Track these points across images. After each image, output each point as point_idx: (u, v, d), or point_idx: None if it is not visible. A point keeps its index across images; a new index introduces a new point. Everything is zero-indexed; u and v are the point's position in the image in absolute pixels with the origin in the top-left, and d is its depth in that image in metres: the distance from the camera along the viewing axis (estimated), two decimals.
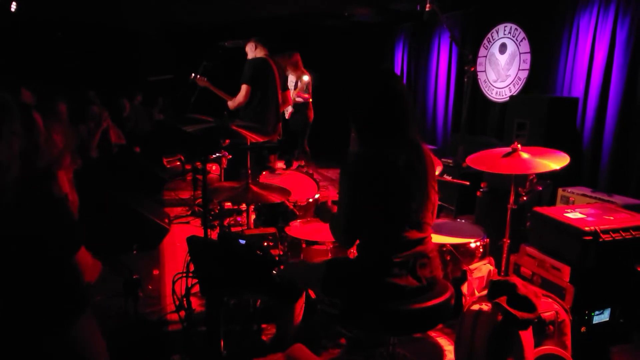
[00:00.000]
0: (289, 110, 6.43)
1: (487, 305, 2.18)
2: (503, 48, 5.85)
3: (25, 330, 0.93)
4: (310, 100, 6.43)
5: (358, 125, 2.03)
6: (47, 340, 0.94)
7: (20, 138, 1.07)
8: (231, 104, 4.64)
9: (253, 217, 3.45)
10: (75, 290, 0.99)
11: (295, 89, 6.35)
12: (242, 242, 2.31)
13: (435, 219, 2.19)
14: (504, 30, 5.81)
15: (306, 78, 6.36)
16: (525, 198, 3.08)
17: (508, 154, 2.67)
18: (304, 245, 2.76)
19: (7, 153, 1.03)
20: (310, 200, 3.38)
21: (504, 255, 2.83)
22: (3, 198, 1.00)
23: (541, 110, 4.37)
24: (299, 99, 6.35)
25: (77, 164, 2.36)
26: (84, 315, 0.98)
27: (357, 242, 2.07)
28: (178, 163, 6.25)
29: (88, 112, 5.37)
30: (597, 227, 2.36)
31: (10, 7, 5.92)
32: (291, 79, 6.37)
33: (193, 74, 4.82)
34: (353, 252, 2.54)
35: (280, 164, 5.72)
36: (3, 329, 0.91)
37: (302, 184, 3.60)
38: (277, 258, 2.65)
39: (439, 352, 2.66)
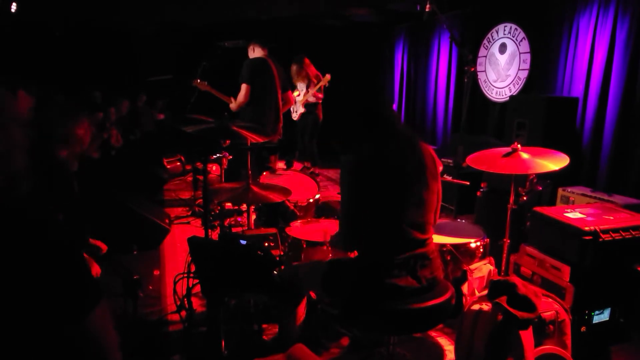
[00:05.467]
0: (298, 111, 6.43)
1: (487, 305, 2.18)
2: (503, 48, 5.85)
3: (45, 321, 0.94)
4: (320, 101, 6.42)
5: (347, 132, 2.07)
6: (66, 330, 0.95)
7: (21, 128, 1.07)
8: (233, 106, 4.64)
9: (254, 217, 3.45)
10: (88, 280, 1.01)
11: (307, 89, 6.33)
12: (243, 242, 2.31)
13: (438, 219, 2.19)
14: (504, 30, 5.82)
15: (325, 77, 6.30)
16: (525, 198, 3.08)
17: (508, 154, 2.68)
18: (304, 246, 2.76)
19: (5, 143, 1.03)
20: (311, 200, 3.38)
21: (504, 255, 2.83)
22: (17, 189, 1.01)
23: (541, 110, 4.37)
24: (312, 99, 6.33)
25: (75, 167, 2.37)
26: (99, 306, 0.99)
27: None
28: (178, 163, 6.26)
29: (92, 114, 5.37)
30: (597, 227, 2.36)
31: (10, 8, 5.93)
32: (301, 84, 6.37)
33: (195, 79, 4.86)
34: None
35: (281, 165, 5.73)
36: (22, 321, 0.93)
37: (302, 184, 3.60)
38: (277, 258, 2.66)
39: (439, 352, 2.66)
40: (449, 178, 3.55)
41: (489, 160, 2.72)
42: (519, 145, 2.68)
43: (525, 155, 2.64)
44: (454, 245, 2.73)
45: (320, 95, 6.32)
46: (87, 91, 6.70)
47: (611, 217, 2.53)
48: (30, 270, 0.93)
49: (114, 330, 1.03)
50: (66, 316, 0.95)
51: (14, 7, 5.95)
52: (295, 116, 6.53)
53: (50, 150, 2.14)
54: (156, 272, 3.63)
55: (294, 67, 6.23)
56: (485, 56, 6.15)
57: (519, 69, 5.61)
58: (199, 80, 4.86)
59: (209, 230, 2.78)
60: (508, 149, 2.70)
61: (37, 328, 0.92)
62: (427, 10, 4.30)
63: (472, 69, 4.68)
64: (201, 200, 4.38)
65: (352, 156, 2.00)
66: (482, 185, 3.81)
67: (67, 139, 2.22)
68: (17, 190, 1.02)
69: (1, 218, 0.96)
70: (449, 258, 2.72)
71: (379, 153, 1.97)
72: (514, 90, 5.65)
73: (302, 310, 2.37)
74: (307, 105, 6.38)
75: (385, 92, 8.63)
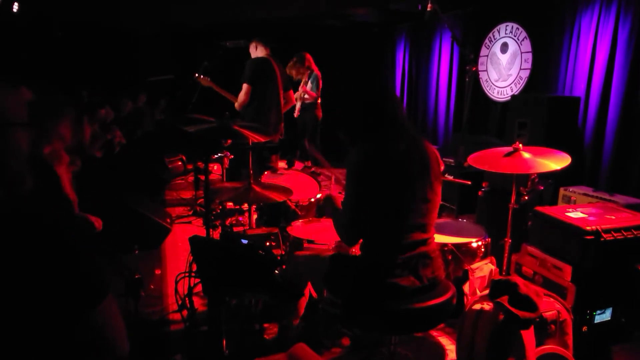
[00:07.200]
0: (297, 106, 6.42)
1: (488, 305, 2.18)
2: (504, 47, 5.84)
3: (56, 313, 0.95)
4: (319, 100, 6.42)
5: (352, 130, 2.07)
6: (75, 322, 0.96)
7: (24, 129, 1.08)
8: (237, 105, 4.64)
9: (255, 217, 3.46)
10: (96, 274, 1.02)
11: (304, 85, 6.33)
12: (245, 242, 2.31)
13: (436, 219, 2.19)
14: (506, 29, 5.81)
15: (314, 75, 6.32)
16: (526, 197, 3.08)
17: (509, 154, 2.67)
18: (306, 245, 2.76)
19: (15, 143, 1.04)
20: (312, 200, 3.38)
21: (506, 254, 2.83)
22: (21, 187, 1.03)
23: (542, 109, 4.36)
24: (306, 96, 6.33)
25: (77, 165, 2.37)
26: (106, 299, 1.01)
27: (361, 241, 2.07)
28: (179, 163, 6.26)
29: (95, 114, 5.38)
30: (598, 227, 2.36)
31: (12, 8, 5.94)
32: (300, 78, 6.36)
33: (196, 74, 4.82)
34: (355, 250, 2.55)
35: (282, 164, 5.73)
36: (33, 314, 0.94)
37: (303, 184, 3.60)
38: (279, 258, 2.66)
39: (441, 352, 2.66)
40: (451, 177, 3.54)
41: (490, 159, 2.71)
42: (520, 145, 2.68)
43: (526, 155, 2.64)
44: (456, 245, 2.73)
45: (313, 94, 6.30)
46: (87, 91, 6.70)
47: (613, 217, 2.52)
48: (42, 267, 0.94)
49: (121, 321, 1.05)
50: (75, 308, 0.96)
51: (15, 7, 5.96)
52: (297, 113, 6.52)
53: (40, 149, 2.15)
54: (157, 272, 3.63)
55: (292, 60, 6.22)
56: (487, 56, 6.15)
57: (520, 69, 5.60)
58: (202, 76, 4.83)
59: (211, 230, 2.78)
60: (509, 149, 2.69)
61: (48, 320, 0.93)
62: (428, 9, 4.31)
63: (474, 69, 4.69)
64: (202, 199, 4.38)
65: (356, 154, 2.00)
66: (483, 184, 3.81)
67: (52, 136, 2.22)
68: (21, 189, 1.03)
69: (15, 218, 0.97)
70: (450, 257, 2.72)
71: (383, 152, 1.97)
72: (516, 89, 5.64)
73: (302, 306, 2.38)
74: (304, 103, 6.39)
75: (389, 90, 8.60)
